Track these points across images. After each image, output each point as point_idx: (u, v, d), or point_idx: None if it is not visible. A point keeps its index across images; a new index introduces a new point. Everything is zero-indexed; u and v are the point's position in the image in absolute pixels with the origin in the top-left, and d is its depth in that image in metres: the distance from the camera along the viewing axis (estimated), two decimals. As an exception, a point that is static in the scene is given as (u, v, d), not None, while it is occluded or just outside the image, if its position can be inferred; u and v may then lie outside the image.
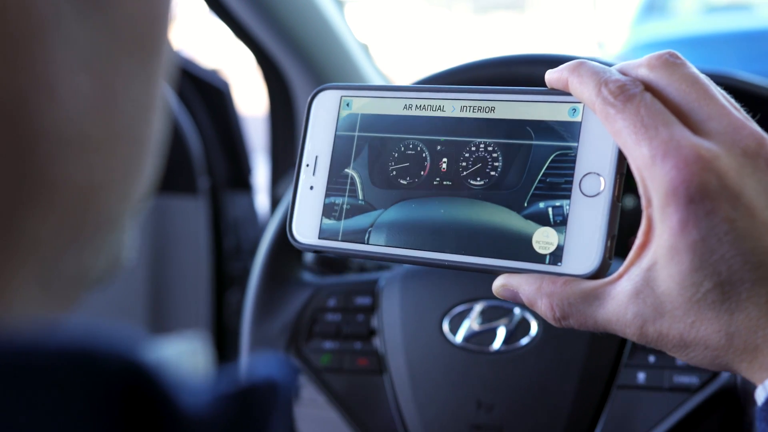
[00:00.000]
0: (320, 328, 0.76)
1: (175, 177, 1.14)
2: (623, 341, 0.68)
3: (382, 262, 0.54)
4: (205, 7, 1.13)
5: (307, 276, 0.80)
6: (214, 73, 1.25)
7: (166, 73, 0.25)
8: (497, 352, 0.69)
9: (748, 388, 0.64)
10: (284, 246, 0.77)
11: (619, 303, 0.38)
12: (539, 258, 0.42)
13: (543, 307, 0.41)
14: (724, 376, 0.65)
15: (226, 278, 1.18)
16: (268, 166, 1.30)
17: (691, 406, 0.65)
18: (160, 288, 1.16)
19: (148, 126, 0.25)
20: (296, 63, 1.15)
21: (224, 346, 1.18)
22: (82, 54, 0.21)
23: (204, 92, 1.22)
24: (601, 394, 0.67)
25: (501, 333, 0.70)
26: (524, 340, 0.69)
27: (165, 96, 0.26)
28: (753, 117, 0.39)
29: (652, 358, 0.67)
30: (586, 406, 0.67)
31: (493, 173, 0.44)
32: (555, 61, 0.67)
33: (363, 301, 0.76)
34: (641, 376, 0.66)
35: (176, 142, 1.13)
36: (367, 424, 0.73)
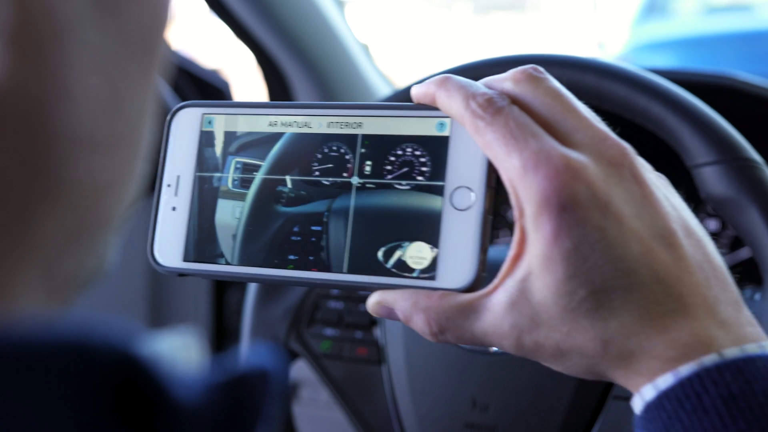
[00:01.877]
0: (322, 314, 0.77)
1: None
2: None
3: (248, 282, 0.51)
4: (206, 7, 1.13)
5: None
6: (214, 73, 1.25)
7: (159, 77, 0.26)
8: (496, 352, 0.69)
9: None
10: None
11: (496, 315, 0.38)
12: (413, 273, 0.41)
13: (419, 322, 0.40)
14: None
15: (226, 278, 1.18)
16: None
17: None
18: (160, 288, 1.16)
19: (143, 128, 0.25)
20: (297, 63, 1.15)
21: (224, 345, 1.18)
22: (96, 58, 0.22)
23: (204, 92, 1.22)
24: (597, 404, 0.67)
25: (501, 333, 0.70)
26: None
27: (157, 99, 0.26)
28: (615, 130, 0.40)
29: None
30: (580, 414, 0.67)
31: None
32: (569, 63, 0.67)
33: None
34: None
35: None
36: (363, 413, 0.73)
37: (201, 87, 1.23)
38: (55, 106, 0.21)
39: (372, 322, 0.76)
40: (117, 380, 0.19)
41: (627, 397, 0.66)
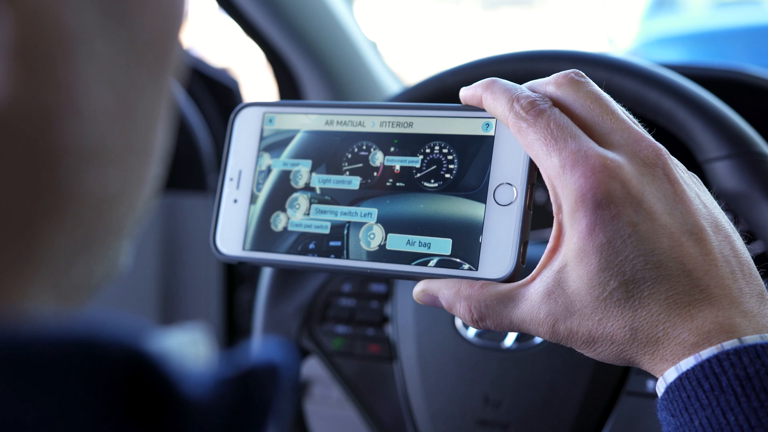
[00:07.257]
0: (334, 312, 0.77)
1: (185, 175, 1.15)
2: None
3: (304, 270, 0.56)
4: (215, 5, 1.13)
5: None
6: (223, 72, 1.26)
7: (172, 84, 0.26)
8: (508, 349, 0.69)
9: None
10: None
11: (533, 303, 0.41)
12: (457, 264, 0.44)
13: (462, 309, 0.43)
14: None
15: (237, 276, 1.18)
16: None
17: None
18: (171, 286, 1.17)
19: (155, 137, 0.25)
20: (306, 61, 1.15)
21: (235, 344, 1.18)
22: (105, 69, 0.22)
23: (214, 90, 1.22)
24: (610, 399, 0.66)
25: (513, 330, 0.70)
26: (536, 339, 0.69)
27: (171, 106, 0.26)
28: (651, 131, 0.42)
29: None
30: (593, 410, 0.67)
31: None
32: (579, 58, 0.67)
33: (377, 288, 0.77)
34: (651, 384, 0.66)
35: (186, 140, 1.13)
36: (375, 410, 0.73)
37: (211, 85, 1.23)
38: (63, 121, 0.20)
39: (384, 319, 0.76)
40: (126, 376, 0.19)
41: (640, 392, 0.66)
